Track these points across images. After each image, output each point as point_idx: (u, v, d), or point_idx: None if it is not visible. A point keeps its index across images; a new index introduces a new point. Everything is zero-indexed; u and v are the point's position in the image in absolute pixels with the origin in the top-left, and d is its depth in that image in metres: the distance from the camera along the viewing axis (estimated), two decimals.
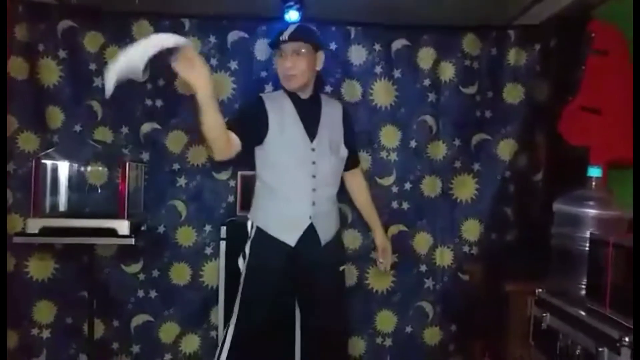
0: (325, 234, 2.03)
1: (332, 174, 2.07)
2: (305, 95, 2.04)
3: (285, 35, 1.94)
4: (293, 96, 2.03)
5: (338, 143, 2.08)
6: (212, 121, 1.70)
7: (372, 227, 2.30)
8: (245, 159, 2.01)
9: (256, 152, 2.02)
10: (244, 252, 2.03)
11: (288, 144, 1.96)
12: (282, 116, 1.97)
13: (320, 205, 2.00)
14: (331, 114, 2.09)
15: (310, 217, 1.98)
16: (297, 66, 1.95)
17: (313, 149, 1.99)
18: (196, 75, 1.59)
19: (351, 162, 2.21)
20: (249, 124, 1.93)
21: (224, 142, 1.80)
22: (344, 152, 2.11)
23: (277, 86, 2.21)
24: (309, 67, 1.98)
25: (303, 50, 1.96)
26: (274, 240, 1.97)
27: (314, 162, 1.99)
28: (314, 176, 1.99)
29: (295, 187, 1.97)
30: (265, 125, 1.95)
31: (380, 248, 2.25)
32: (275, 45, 2.00)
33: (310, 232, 1.98)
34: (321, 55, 2.03)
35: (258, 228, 2.01)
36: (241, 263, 2.04)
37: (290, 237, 1.97)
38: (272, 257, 1.97)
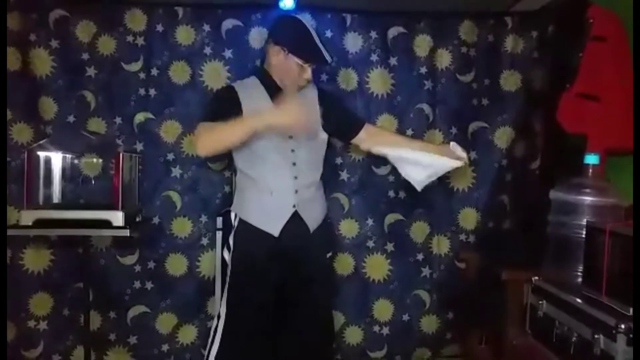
0: (313, 221, 2.01)
1: (313, 160, 2.05)
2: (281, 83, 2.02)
3: (328, 56, 1.98)
4: (268, 84, 2.00)
5: (315, 127, 2.04)
6: (237, 141, 1.85)
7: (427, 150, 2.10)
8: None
9: None
10: (228, 244, 2.02)
11: (264, 132, 1.89)
12: (256, 105, 1.92)
13: (304, 193, 1.98)
14: (305, 99, 2.03)
15: (294, 206, 1.96)
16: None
17: (290, 136, 1.95)
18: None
19: (355, 127, 2.17)
20: (225, 117, 1.86)
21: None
22: (322, 135, 2.08)
23: None
24: None
25: None
26: (258, 231, 1.95)
27: (292, 150, 1.97)
28: (294, 164, 1.96)
29: (276, 176, 1.94)
30: (239, 116, 1.90)
31: (454, 155, 2.06)
32: (303, 58, 1.94)
33: (296, 220, 1.96)
34: None
35: (241, 220, 1.99)
36: (227, 255, 2.03)
37: (274, 227, 1.95)
38: (257, 248, 1.95)
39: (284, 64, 1.96)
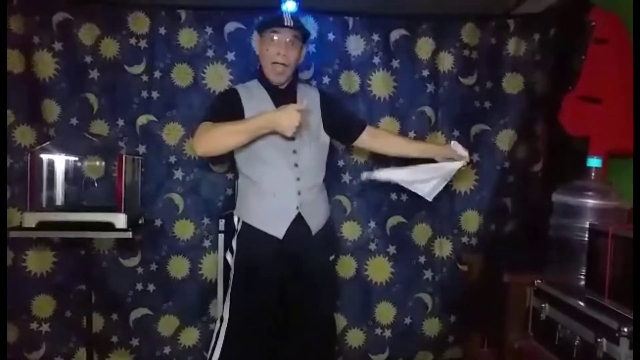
0: (316, 223, 2.01)
1: (315, 161, 2.05)
2: (283, 85, 2.02)
3: (289, 21, 1.91)
4: (270, 87, 2.00)
5: (317, 129, 2.04)
6: (236, 143, 1.86)
7: (429, 153, 2.16)
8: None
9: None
10: (231, 247, 2.02)
11: (265, 135, 1.89)
12: (258, 107, 1.92)
13: (306, 194, 1.98)
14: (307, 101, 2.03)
15: (297, 207, 1.96)
16: (289, 57, 1.94)
17: (293, 138, 1.94)
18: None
19: (356, 129, 2.17)
20: (227, 119, 1.87)
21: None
22: (324, 138, 2.09)
23: None
24: (297, 60, 1.99)
25: (297, 40, 1.95)
26: (262, 234, 1.95)
27: (294, 151, 1.97)
28: (296, 165, 1.96)
29: (279, 178, 1.95)
30: (240, 118, 1.91)
31: (455, 154, 2.11)
32: (267, 28, 1.93)
33: (299, 222, 1.96)
34: (304, 48, 2.04)
35: (244, 222, 1.99)
36: (230, 258, 2.03)
37: (278, 230, 1.95)
38: (261, 251, 1.95)
39: (260, 48, 1.98)
